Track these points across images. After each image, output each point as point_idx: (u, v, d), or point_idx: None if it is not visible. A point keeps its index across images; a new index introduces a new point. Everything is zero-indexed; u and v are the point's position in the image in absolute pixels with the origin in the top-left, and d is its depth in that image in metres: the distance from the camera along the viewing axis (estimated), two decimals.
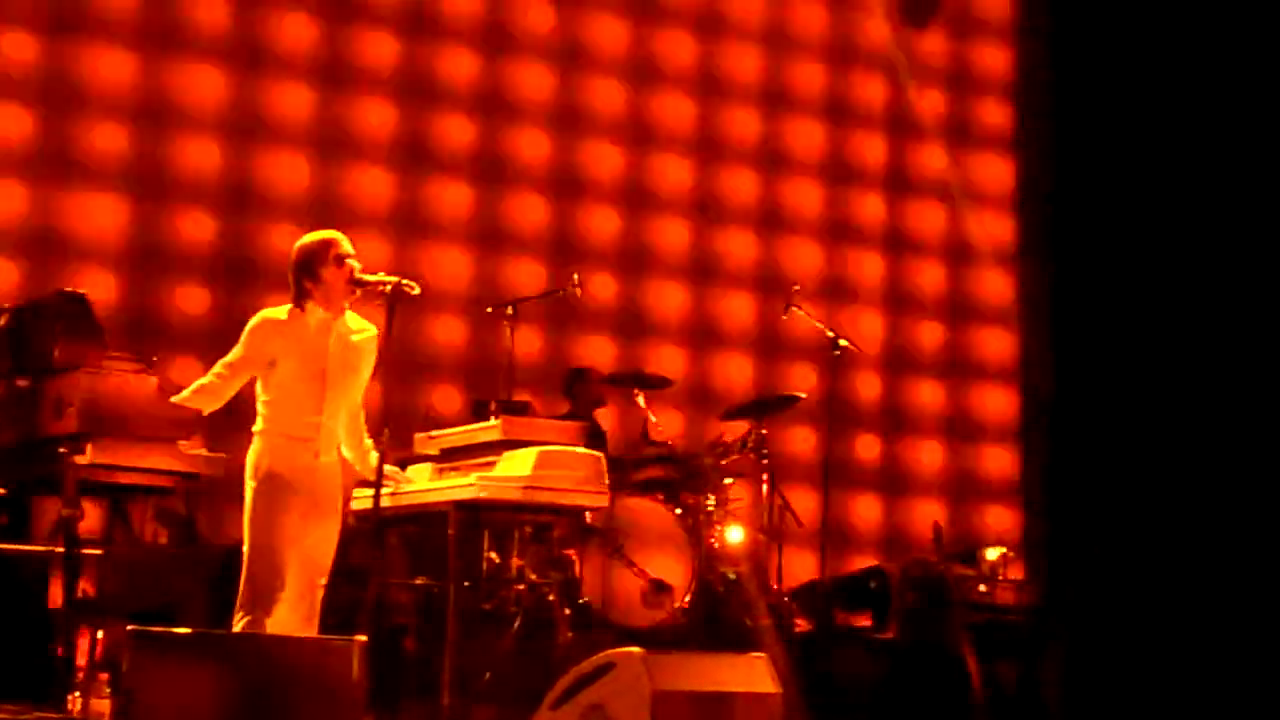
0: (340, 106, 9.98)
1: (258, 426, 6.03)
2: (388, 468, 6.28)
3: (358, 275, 6.09)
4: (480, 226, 10.30)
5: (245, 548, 5.94)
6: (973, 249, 11.78)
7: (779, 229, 11.20)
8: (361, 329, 6.19)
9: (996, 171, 11.97)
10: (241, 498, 6.01)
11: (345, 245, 6.10)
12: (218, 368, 6.04)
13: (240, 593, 5.86)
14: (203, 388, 6.01)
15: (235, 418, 6.23)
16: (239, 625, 5.81)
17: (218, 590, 6.26)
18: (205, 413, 5.98)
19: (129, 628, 5.08)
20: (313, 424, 5.99)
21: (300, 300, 6.06)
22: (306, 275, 6.06)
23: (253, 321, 6.08)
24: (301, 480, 5.95)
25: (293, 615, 5.87)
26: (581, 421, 8.65)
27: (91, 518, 6.32)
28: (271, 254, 9.15)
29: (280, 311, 6.10)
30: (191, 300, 9.41)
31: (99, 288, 8.71)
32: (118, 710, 5.77)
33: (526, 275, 10.14)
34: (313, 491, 5.98)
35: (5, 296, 7.99)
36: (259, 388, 6.05)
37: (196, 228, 9.50)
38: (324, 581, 6.05)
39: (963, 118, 11.91)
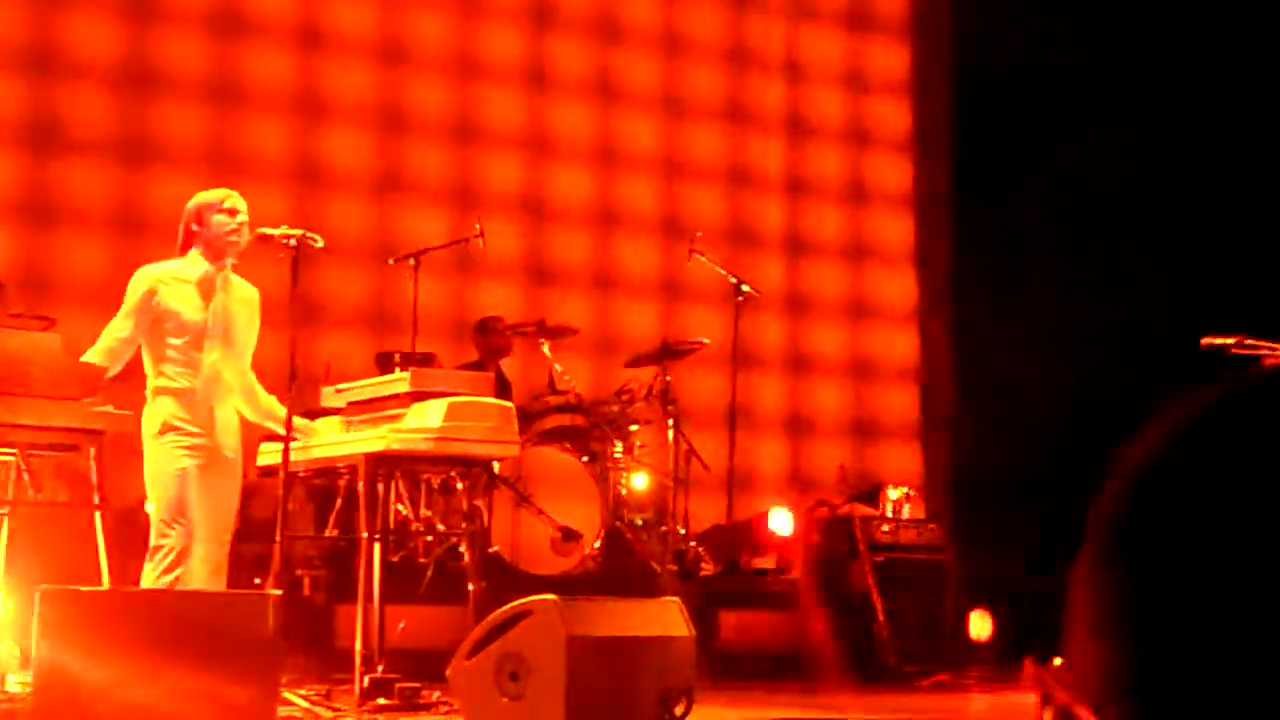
0: (234, 57, 9.85)
1: (150, 383, 6.02)
2: (298, 420, 6.28)
3: (260, 229, 6.10)
4: (379, 177, 10.23)
5: (151, 504, 5.92)
6: (871, 192, 11.87)
7: (680, 175, 11.22)
8: (242, 286, 6.20)
9: (893, 117, 12.04)
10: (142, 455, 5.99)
11: (237, 201, 6.13)
12: (109, 329, 6.02)
13: (152, 547, 5.84)
14: (101, 350, 5.98)
15: (138, 376, 6.19)
16: (151, 579, 5.78)
17: (121, 548, 6.22)
18: (107, 376, 5.94)
19: (40, 587, 5.04)
20: (202, 380, 5.99)
21: (184, 248, 6.07)
22: (195, 221, 6.09)
23: (135, 279, 6.08)
24: (197, 435, 5.95)
25: (202, 569, 5.88)
26: (488, 371, 8.65)
27: None
28: (167, 208, 8.98)
29: (162, 266, 6.10)
30: (86, 256, 9.27)
31: None
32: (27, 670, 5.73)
33: (427, 225, 10.07)
34: (209, 446, 5.98)
35: None
36: (145, 344, 6.03)
37: (90, 182, 9.35)
38: (228, 536, 6.05)
39: (858, 64, 11.97)
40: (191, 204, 6.17)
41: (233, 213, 6.09)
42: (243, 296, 6.20)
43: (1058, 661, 1.20)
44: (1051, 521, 9.65)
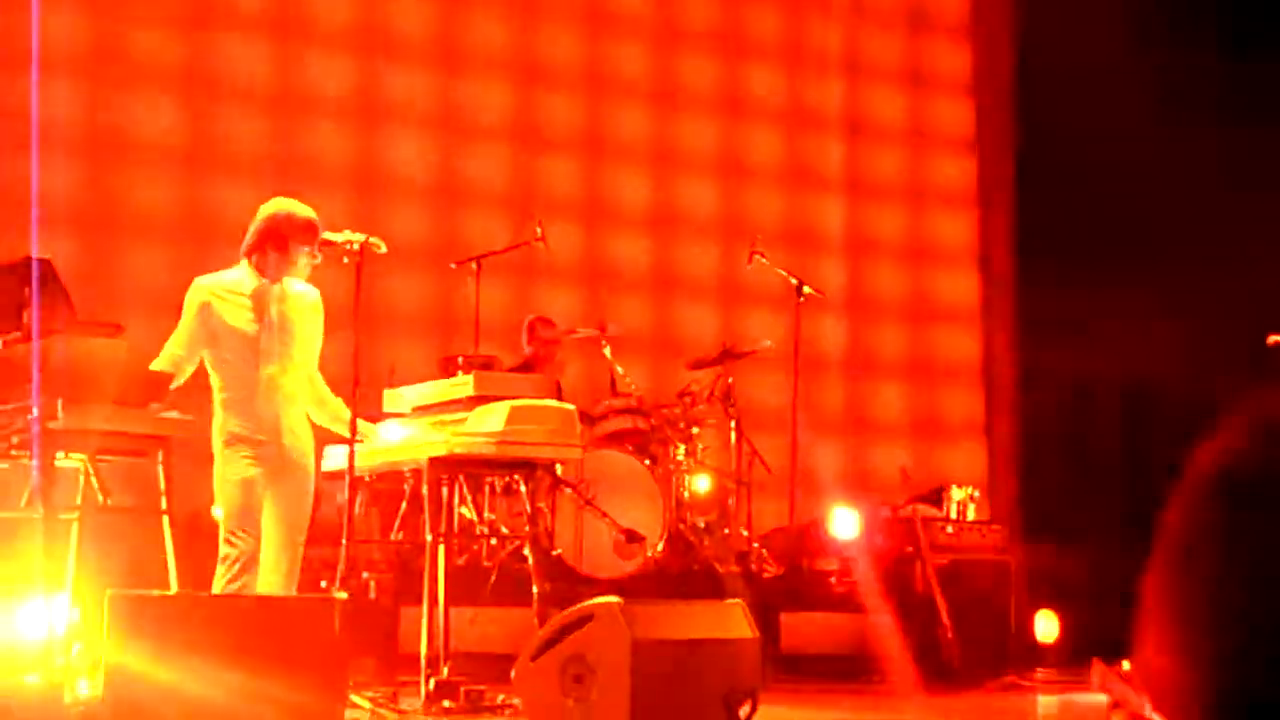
0: (296, 63, 9.91)
1: (216, 394, 6.04)
2: (363, 424, 6.31)
3: (324, 235, 6.11)
4: (440, 181, 10.27)
5: (221, 511, 5.96)
6: (933, 192, 11.81)
7: (740, 177, 11.20)
8: (302, 292, 6.18)
9: (956, 114, 11.98)
10: (210, 461, 6.03)
11: (316, 220, 6.08)
12: (171, 341, 6.03)
13: (221, 555, 5.88)
14: (166, 360, 6.01)
15: (203, 382, 6.23)
16: (220, 586, 5.82)
17: (188, 553, 6.27)
18: (174, 385, 5.98)
19: (108, 591, 5.09)
20: (265, 387, 6.00)
21: (256, 260, 6.03)
22: (274, 244, 6.03)
23: (190, 293, 6.07)
24: (265, 442, 5.97)
25: (273, 574, 5.91)
26: (539, 372, 8.68)
27: (64, 482, 6.31)
28: (230, 213, 9.06)
29: (215, 279, 6.08)
30: (151, 262, 9.35)
31: (56, 252, 8.64)
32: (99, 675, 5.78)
33: (486, 229, 10.10)
34: (278, 452, 6.00)
35: None
36: (208, 355, 6.05)
37: (154, 189, 9.43)
38: (301, 540, 6.08)
39: (919, 62, 11.91)
40: (277, 217, 6.06)
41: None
42: (303, 304, 6.17)
43: (1125, 665, 1.18)
44: (1117, 521, 9.60)
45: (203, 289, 6.05)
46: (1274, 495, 1.12)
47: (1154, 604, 1.17)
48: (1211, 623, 1.12)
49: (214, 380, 6.05)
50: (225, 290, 6.04)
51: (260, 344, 6.01)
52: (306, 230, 6.04)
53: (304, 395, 6.15)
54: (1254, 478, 1.14)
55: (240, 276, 6.07)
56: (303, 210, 6.11)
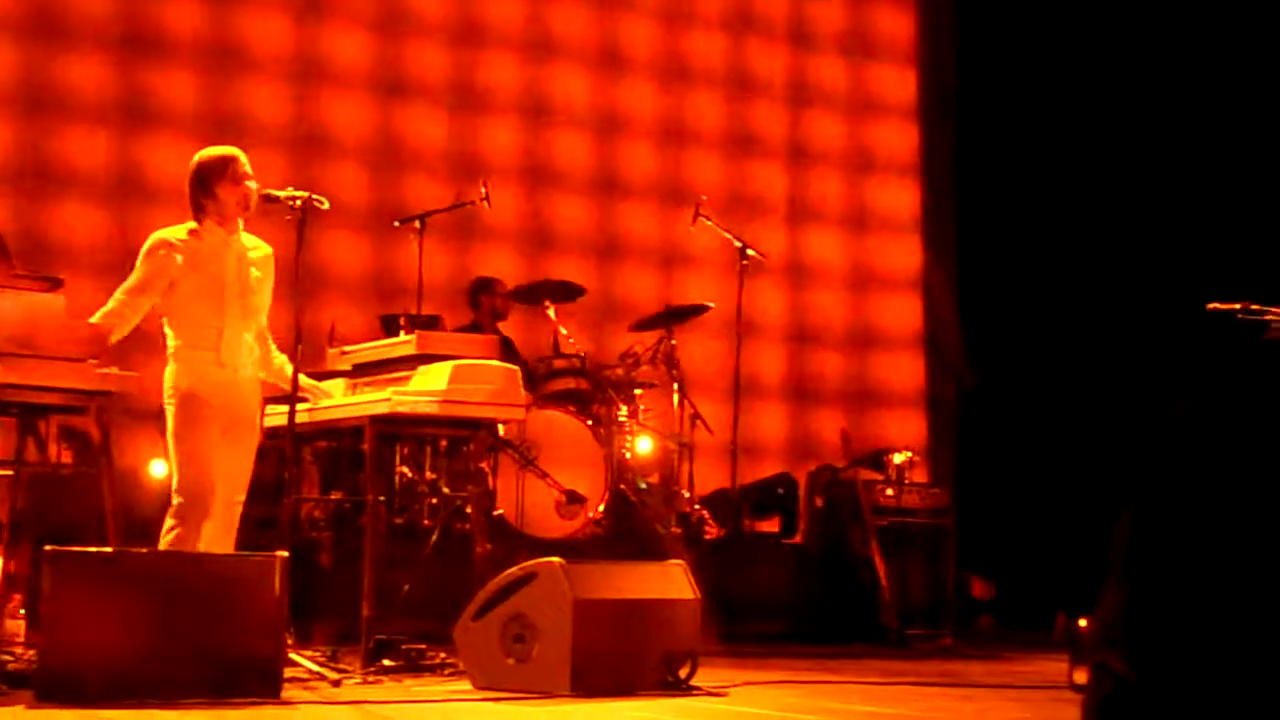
0: (233, 20, 9.80)
1: (171, 347, 6.01)
2: (306, 381, 6.29)
3: (266, 191, 6.08)
4: (380, 141, 10.20)
5: (173, 463, 5.93)
6: (874, 159, 11.83)
7: (682, 141, 11.18)
8: (256, 246, 6.19)
9: (898, 84, 11.99)
10: (152, 417, 5.99)
11: (244, 163, 6.08)
12: (120, 293, 5.98)
13: (174, 504, 5.84)
14: (110, 313, 5.95)
15: (146, 338, 6.19)
16: (169, 536, 5.79)
17: (126, 510, 6.23)
18: (113, 339, 5.92)
19: (46, 547, 5.05)
20: (222, 342, 5.98)
21: (197, 217, 6.04)
22: (202, 192, 6.05)
23: (149, 243, 6.05)
24: (219, 397, 5.95)
25: (213, 530, 5.87)
26: (487, 334, 8.65)
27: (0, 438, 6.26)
28: (166, 171, 9.00)
29: (176, 231, 6.08)
30: (86, 220, 9.25)
31: None
32: (35, 631, 5.74)
33: (429, 190, 10.05)
34: (231, 408, 5.98)
35: None
36: (163, 309, 6.02)
37: (90, 146, 9.33)
38: (241, 498, 6.05)
39: (861, 30, 11.91)
40: (196, 166, 6.08)
41: (239, 180, 6.04)
42: (256, 256, 6.17)
43: (1082, 623, 1.21)
44: (1055, 486, 9.70)
45: (161, 239, 6.03)
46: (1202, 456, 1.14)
47: (1114, 553, 1.20)
48: (1130, 564, 1.15)
49: (168, 332, 6.01)
50: (181, 241, 6.02)
51: (216, 295, 5.98)
52: (223, 164, 6.04)
53: (254, 350, 6.13)
54: (1204, 439, 1.16)
55: (198, 228, 6.05)
56: (219, 149, 6.12)
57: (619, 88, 11.03)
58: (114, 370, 5.81)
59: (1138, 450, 1.22)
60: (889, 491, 9.11)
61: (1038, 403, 10.40)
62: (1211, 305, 6.87)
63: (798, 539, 9.72)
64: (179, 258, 5.97)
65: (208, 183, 6.03)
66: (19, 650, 5.77)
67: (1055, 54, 10.84)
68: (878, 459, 9.46)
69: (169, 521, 5.83)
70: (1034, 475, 10.18)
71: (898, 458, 9.30)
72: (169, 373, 5.99)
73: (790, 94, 11.59)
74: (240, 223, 6.11)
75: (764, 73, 11.52)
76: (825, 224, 11.66)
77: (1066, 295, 10.52)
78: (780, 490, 9.99)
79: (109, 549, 5.48)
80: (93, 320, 5.89)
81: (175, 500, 5.85)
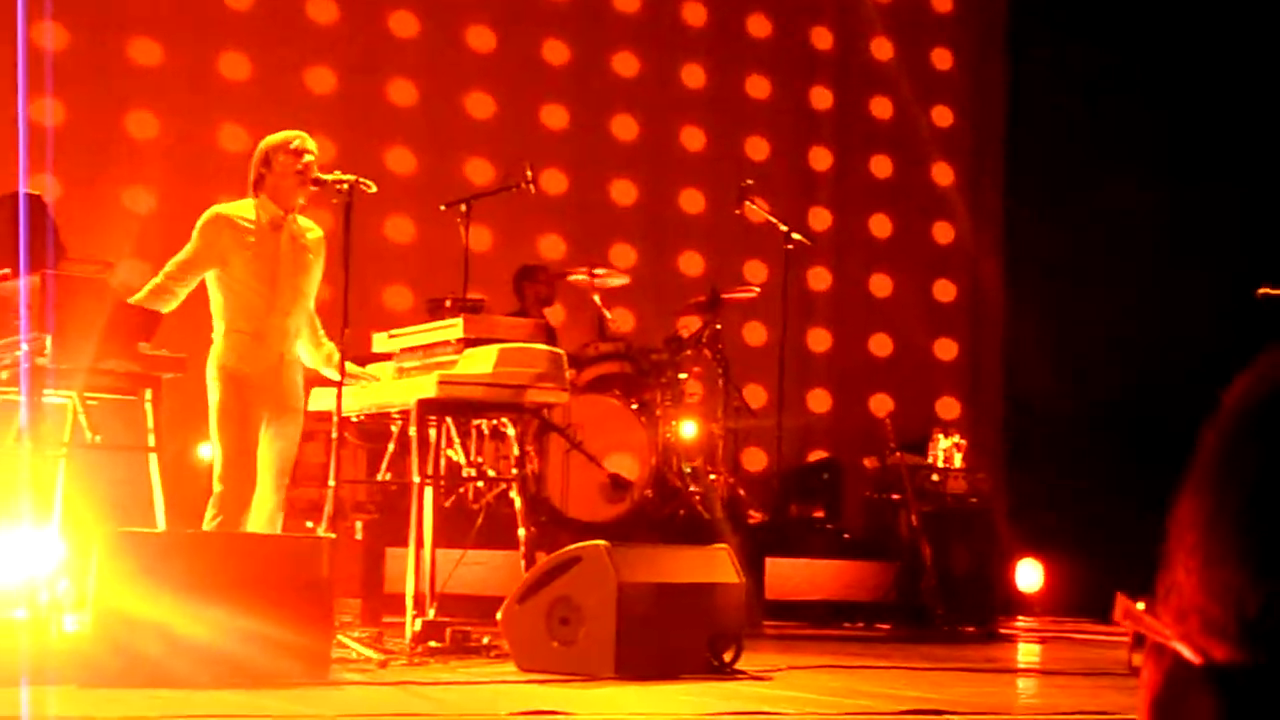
0: (288, 2, 9.84)
1: (218, 327, 6.05)
2: (354, 367, 6.32)
3: (315, 174, 6.10)
4: (431, 122, 10.22)
5: (216, 448, 5.96)
6: (922, 139, 11.77)
7: (731, 122, 11.16)
8: (310, 229, 6.23)
9: (944, 61, 11.93)
10: (201, 399, 6.03)
11: (307, 141, 6.12)
12: (170, 267, 6.03)
13: (215, 493, 5.89)
14: (157, 288, 5.99)
15: (193, 319, 6.23)
16: (212, 524, 5.83)
17: (177, 491, 6.28)
18: (163, 313, 5.97)
19: (101, 528, 5.10)
20: (271, 323, 6.02)
21: (255, 190, 6.08)
22: (262, 163, 6.08)
23: (204, 218, 6.08)
24: (266, 379, 5.99)
25: (260, 513, 5.92)
26: (532, 319, 8.66)
27: (52, 419, 6.31)
28: (221, 153, 9.06)
29: (233, 208, 6.11)
30: (138, 200, 9.32)
31: (44, 188, 8.62)
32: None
33: (476, 172, 10.07)
34: (277, 390, 6.02)
35: None
36: (212, 288, 6.06)
37: (144, 130, 9.39)
38: (286, 482, 6.09)
39: (911, 10, 11.85)
40: (261, 146, 6.16)
41: (299, 154, 6.08)
42: (309, 239, 6.21)
43: (1140, 605, 1.19)
44: (1104, 471, 9.64)
45: (217, 213, 6.08)
46: None
47: (1185, 526, 1.16)
48: (1250, 525, 1.11)
49: (216, 311, 6.04)
50: (239, 217, 6.06)
51: (268, 275, 6.02)
52: (287, 144, 6.11)
53: (303, 334, 6.18)
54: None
55: (254, 207, 6.10)
56: (284, 133, 6.18)
57: (671, 67, 10.96)
58: (165, 353, 5.85)
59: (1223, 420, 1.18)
60: (935, 476, 9.08)
61: (1087, 391, 10.34)
62: (1262, 290, 6.83)
63: (842, 523, 9.71)
64: (231, 234, 6.00)
65: (269, 156, 6.09)
66: (70, 630, 5.83)
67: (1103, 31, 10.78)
68: (923, 443, 9.43)
69: (210, 510, 5.87)
70: (1083, 459, 10.12)
71: (944, 442, 9.27)
72: (214, 354, 6.03)
73: (837, 73, 11.54)
74: (298, 204, 6.14)
75: (815, 53, 11.46)
76: (870, 203, 11.60)
77: (1116, 274, 10.45)
78: (825, 475, 9.98)
79: (157, 530, 5.53)
80: (140, 295, 5.93)
81: (217, 488, 5.90)
